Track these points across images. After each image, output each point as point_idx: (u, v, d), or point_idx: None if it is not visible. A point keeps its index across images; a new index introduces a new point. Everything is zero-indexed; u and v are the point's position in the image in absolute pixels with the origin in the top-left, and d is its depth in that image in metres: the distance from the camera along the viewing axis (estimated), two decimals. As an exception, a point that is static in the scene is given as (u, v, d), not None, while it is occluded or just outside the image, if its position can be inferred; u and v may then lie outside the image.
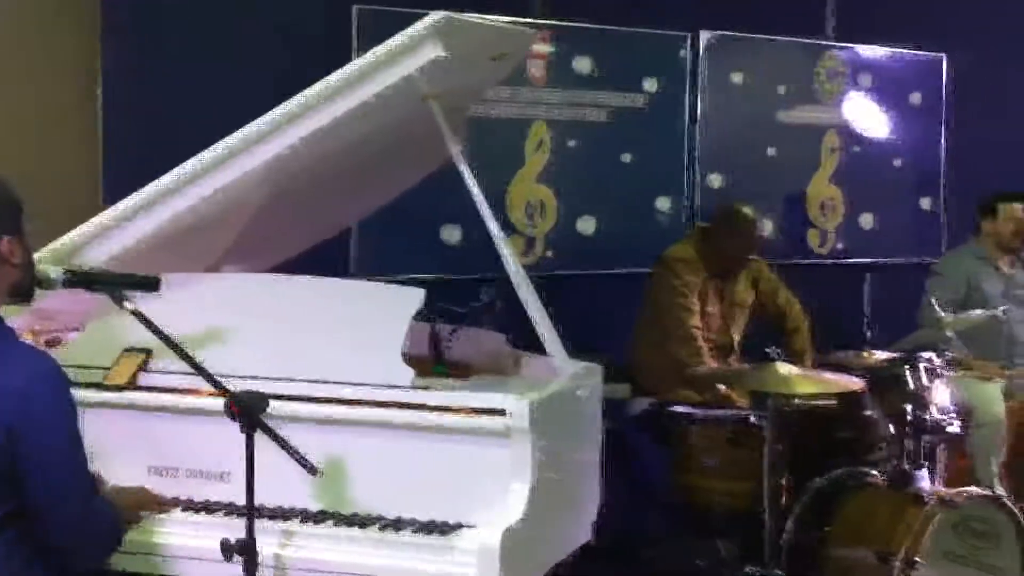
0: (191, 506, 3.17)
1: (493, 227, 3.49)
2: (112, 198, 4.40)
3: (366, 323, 3.26)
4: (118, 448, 3.20)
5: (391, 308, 3.28)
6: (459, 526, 2.98)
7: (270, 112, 3.37)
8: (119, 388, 3.28)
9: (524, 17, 5.67)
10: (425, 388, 3.17)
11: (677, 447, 4.67)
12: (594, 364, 3.62)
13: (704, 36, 6.19)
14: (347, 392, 3.14)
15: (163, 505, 3.16)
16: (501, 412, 3.01)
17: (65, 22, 4.71)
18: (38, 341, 3.74)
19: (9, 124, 4.41)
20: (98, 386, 3.26)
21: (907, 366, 4.59)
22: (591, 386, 3.52)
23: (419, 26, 3.17)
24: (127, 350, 3.36)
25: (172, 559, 3.04)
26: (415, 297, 3.29)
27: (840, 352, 5.17)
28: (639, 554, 5.26)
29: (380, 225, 5.12)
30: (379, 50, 3.23)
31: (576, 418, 3.39)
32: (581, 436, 3.42)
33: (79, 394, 3.11)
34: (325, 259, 4.50)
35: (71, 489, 2.71)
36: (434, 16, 3.15)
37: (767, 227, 6.35)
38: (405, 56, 3.21)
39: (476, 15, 3.44)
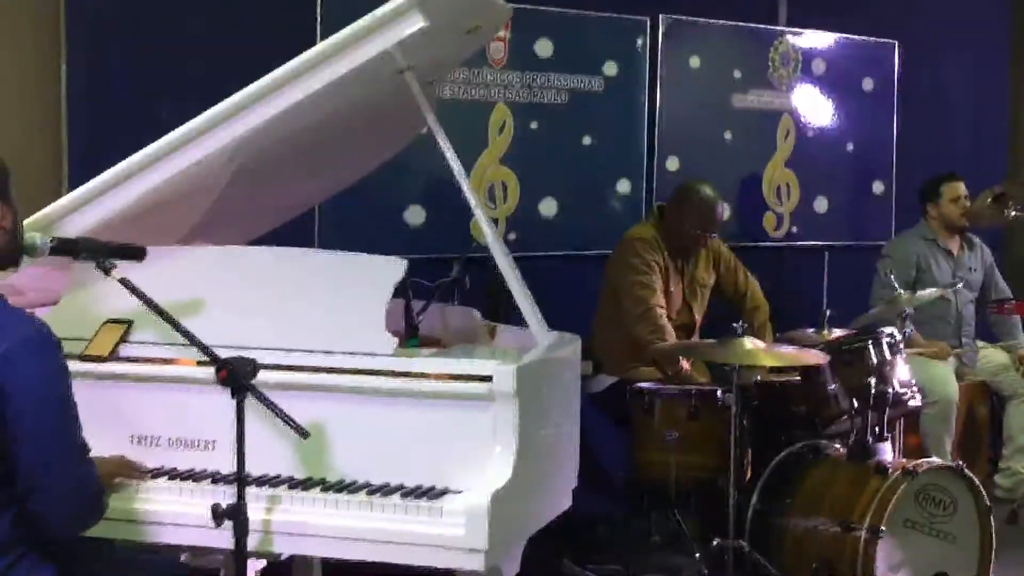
0: (176, 474, 3.19)
1: (473, 199, 3.51)
2: (74, 185, 4.44)
3: (349, 293, 3.27)
4: (100, 419, 3.13)
5: (373, 278, 3.29)
6: (446, 491, 3.02)
7: (245, 89, 3.34)
8: (101, 359, 3.29)
9: (485, -1, 5.72)
10: (411, 356, 3.22)
11: (639, 423, 4.71)
12: (572, 334, 3.66)
13: (662, 20, 6.22)
14: (331, 360, 3.17)
15: (143, 473, 3.19)
16: (487, 378, 3.05)
17: (27, 10, 4.67)
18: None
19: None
20: (79, 357, 3.25)
21: (870, 341, 4.69)
22: (570, 355, 3.55)
23: (402, -3, 3.17)
24: (107, 322, 3.38)
25: (157, 526, 3.06)
26: (397, 267, 3.32)
27: (800, 330, 5.28)
28: (596, 532, 5.35)
29: (344, 207, 5.14)
30: (362, 21, 3.22)
31: (556, 385, 3.42)
32: (561, 403, 3.45)
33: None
34: (290, 242, 4.52)
35: (60, 453, 2.71)
36: (415, -13, 3.16)
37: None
38: (390, 25, 3.20)
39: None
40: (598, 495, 5.46)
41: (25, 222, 3.26)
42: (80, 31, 4.77)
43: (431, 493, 3.02)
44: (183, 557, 3.32)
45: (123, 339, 3.34)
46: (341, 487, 3.07)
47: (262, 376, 2.95)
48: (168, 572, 3.08)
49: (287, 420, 2.86)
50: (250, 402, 2.87)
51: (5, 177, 2.83)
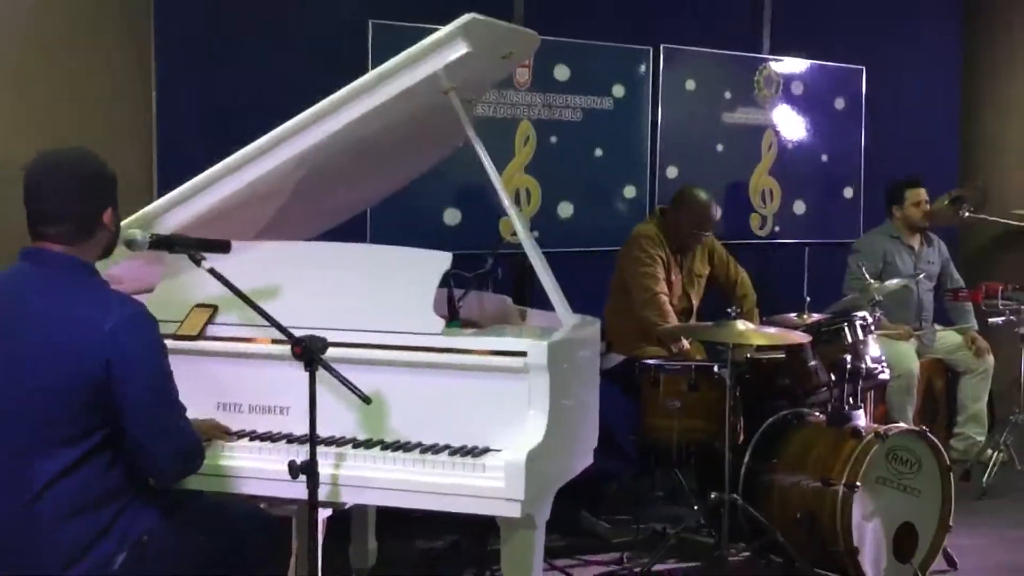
0: (256, 436, 3.21)
1: (507, 200, 3.50)
2: (162, 187, 4.45)
3: (403, 281, 3.27)
4: (191, 389, 3.13)
5: (423, 269, 3.29)
6: (487, 450, 3.03)
7: (312, 107, 3.35)
8: (191, 338, 3.30)
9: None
10: (457, 335, 3.22)
11: (646, 393, 4.70)
12: (592, 316, 3.66)
13: (663, 49, 6.21)
14: (388, 339, 3.17)
15: (229, 435, 3.21)
16: (523, 353, 3.06)
17: (121, 36, 4.67)
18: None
19: (70, 128, 4.38)
20: (173, 336, 3.26)
21: (846, 323, 4.69)
22: (591, 334, 3.55)
23: (452, 25, 3.17)
24: (196, 306, 3.39)
25: (241, 479, 3.08)
26: (444, 259, 3.31)
27: (783, 315, 5.27)
28: (608, 488, 5.35)
29: (391, 210, 5.13)
30: (415, 47, 3.23)
31: (580, 359, 3.41)
32: (584, 374, 3.45)
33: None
34: (346, 239, 4.52)
35: (160, 414, 2.74)
36: (464, 17, 3.17)
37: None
38: (438, 51, 3.21)
39: (497, 21, 3.45)
40: (610, 457, 5.45)
41: (126, 220, 3.29)
42: (167, 53, 4.80)
43: (474, 451, 3.03)
44: (261, 506, 3.32)
45: (210, 321, 3.35)
46: (397, 446, 3.08)
47: (329, 352, 2.95)
48: (249, 519, 3.06)
49: (352, 388, 2.87)
50: (319, 373, 2.88)
51: (114, 184, 2.84)
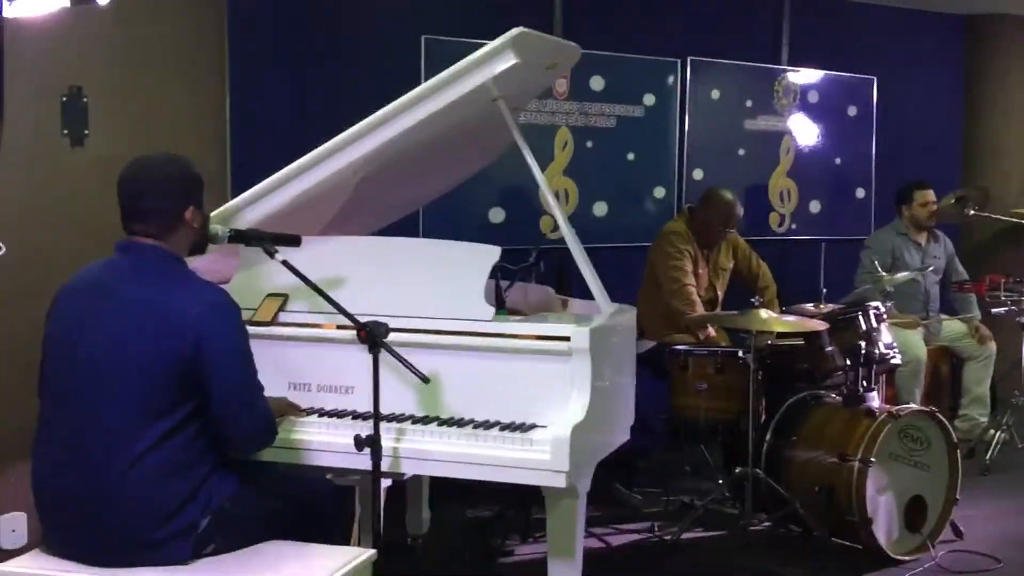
0: (324, 413, 3.23)
1: (550, 198, 3.50)
2: (236, 187, 4.49)
3: (457, 272, 3.28)
4: (265, 370, 3.15)
5: (475, 261, 3.29)
6: (534, 426, 3.04)
7: (373, 115, 3.36)
8: (265, 324, 3.33)
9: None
10: (506, 321, 3.22)
11: (676, 376, 4.70)
12: (630, 305, 3.66)
13: (690, 61, 6.19)
14: (444, 324, 3.18)
15: (301, 412, 3.24)
16: (567, 338, 3.06)
17: (199, 50, 4.70)
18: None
19: (149, 133, 4.42)
20: (248, 322, 3.22)
21: (860, 312, 4.66)
22: (627, 321, 3.55)
23: (502, 38, 3.17)
24: (269, 295, 3.42)
25: (311, 452, 3.10)
26: (493, 253, 3.31)
27: (800, 305, 5.25)
28: (639, 463, 5.34)
29: (441, 209, 5.15)
30: (467, 59, 3.23)
31: (618, 344, 3.41)
32: (621, 358, 3.45)
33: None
34: (400, 232, 4.53)
35: (239, 392, 2.77)
36: (514, 31, 3.16)
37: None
38: (489, 61, 3.21)
39: (543, 34, 3.45)
40: (641, 434, 5.45)
41: (211, 214, 3.33)
42: (240, 69, 4.82)
43: (522, 427, 3.03)
44: (329, 476, 3.35)
45: (282, 308, 3.37)
46: (452, 422, 3.09)
47: (390, 336, 2.97)
48: (317, 488, 3.09)
49: (412, 369, 2.89)
50: (381, 356, 2.90)
51: (200, 185, 2.87)
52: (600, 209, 5.97)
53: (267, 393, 3.09)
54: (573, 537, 3.14)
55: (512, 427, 3.03)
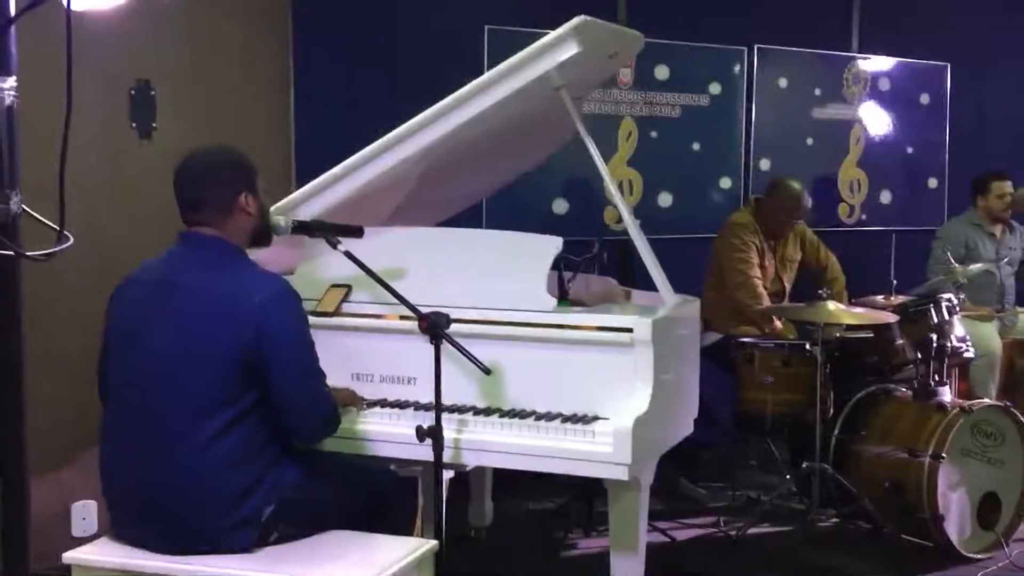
0: (387, 403, 3.24)
1: (614, 189, 3.48)
2: (300, 177, 4.53)
3: (518, 263, 3.27)
4: (328, 360, 3.17)
5: (537, 252, 3.29)
6: (596, 417, 3.02)
7: (435, 105, 3.36)
8: (328, 314, 3.35)
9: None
10: (568, 312, 3.22)
11: (742, 369, 4.67)
12: (693, 296, 3.63)
13: (757, 49, 6.13)
14: (506, 315, 3.18)
15: (364, 402, 3.26)
16: (629, 329, 3.05)
17: (263, 43, 4.76)
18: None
19: (215, 125, 4.48)
20: (312, 313, 3.28)
21: (932, 304, 4.59)
22: (691, 312, 3.53)
23: (565, 27, 3.15)
24: (333, 285, 3.45)
25: (373, 442, 3.13)
26: (556, 243, 3.30)
27: (870, 296, 5.19)
28: (705, 457, 5.31)
29: (504, 201, 5.14)
30: (530, 48, 3.22)
31: (682, 336, 3.39)
32: (685, 350, 3.43)
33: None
34: (464, 222, 4.54)
35: (301, 380, 2.79)
36: (576, 19, 3.15)
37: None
38: (552, 50, 3.19)
39: (606, 23, 3.43)
40: (707, 428, 5.41)
41: (273, 207, 3.36)
42: (304, 59, 4.86)
43: (584, 419, 3.02)
44: (393, 466, 3.37)
45: (345, 299, 3.39)
46: (514, 414, 3.10)
47: (452, 327, 2.98)
48: (380, 478, 3.11)
49: (473, 360, 2.90)
50: (443, 346, 2.91)
51: (252, 172, 2.91)
52: (665, 200, 5.93)
53: (330, 383, 3.13)
54: (636, 530, 3.14)
55: (574, 419, 3.03)
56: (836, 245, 5.97)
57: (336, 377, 3.23)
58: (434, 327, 2.88)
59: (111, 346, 2.86)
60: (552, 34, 3.18)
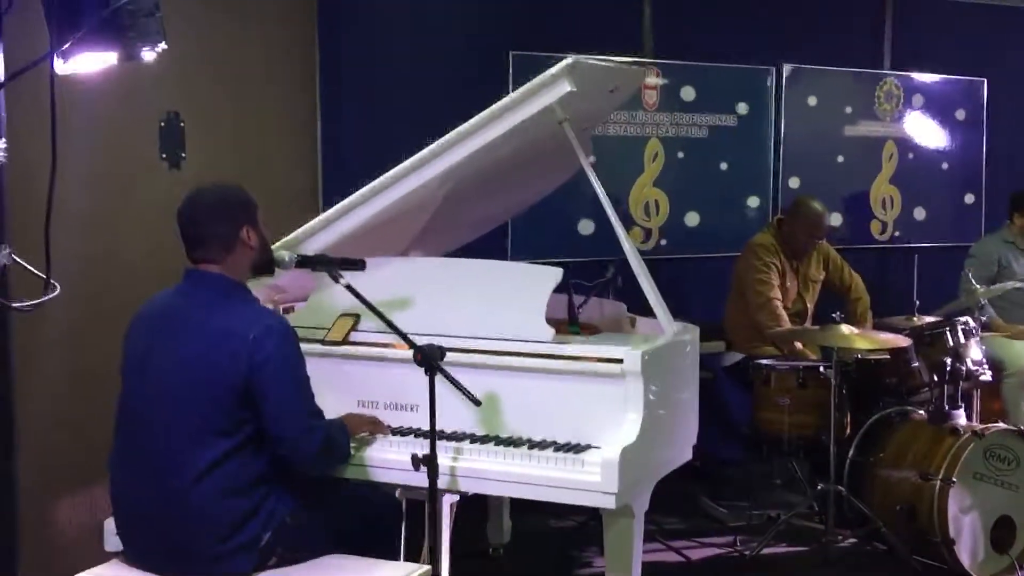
0: (390, 431, 3.30)
1: (614, 219, 3.51)
2: (329, 208, 4.64)
3: (518, 293, 3.32)
4: (336, 387, 3.36)
5: (537, 282, 3.33)
6: (588, 446, 3.07)
7: (446, 136, 3.43)
8: (337, 343, 3.43)
9: (638, 56, 5.72)
10: (562, 343, 3.27)
11: (759, 390, 4.68)
12: (692, 324, 3.66)
13: (785, 68, 6.13)
14: (504, 345, 3.24)
15: (388, 429, 3.29)
16: (619, 360, 3.10)
17: (291, 75, 4.88)
18: (277, 308, 3.97)
19: (242, 153, 4.62)
20: (321, 341, 3.42)
21: (948, 328, 4.58)
22: (690, 340, 3.54)
23: (555, 68, 3.23)
24: (342, 315, 3.53)
25: (376, 468, 3.19)
26: (555, 274, 3.34)
27: (893, 317, 5.18)
28: (727, 474, 5.33)
29: (531, 220, 5.23)
30: (526, 86, 3.30)
31: (678, 365, 3.42)
32: (682, 378, 3.45)
33: (308, 347, 3.29)
34: (488, 247, 4.58)
35: (293, 411, 2.87)
36: (567, 60, 3.22)
37: (836, 217, 6.34)
38: (545, 90, 3.27)
39: (597, 58, 3.50)
40: (731, 446, 5.45)
41: (279, 242, 3.47)
42: (330, 89, 4.99)
43: (577, 448, 3.07)
44: (397, 493, 3.44)
45: (353, 328, 3.47)
46: (509, 442, 3.15)
47: (452, 356, 3.05)
48: (376, 502, 3.19)
49: (465, 391, 2.96)
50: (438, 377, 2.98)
51: (254, 207, 3.02)
52: (692, 219, 5.97)
53: (337, 410, 3.25)
54: (630, 555, 3.19)
55: (567, 448, 3.08)
56: (867, 262, 5.98)
57: (343, 404, 3.35)
58: (428, 359, 2.95)
59: (123, 376, 2.99)
60: (545, 74, 3.25)
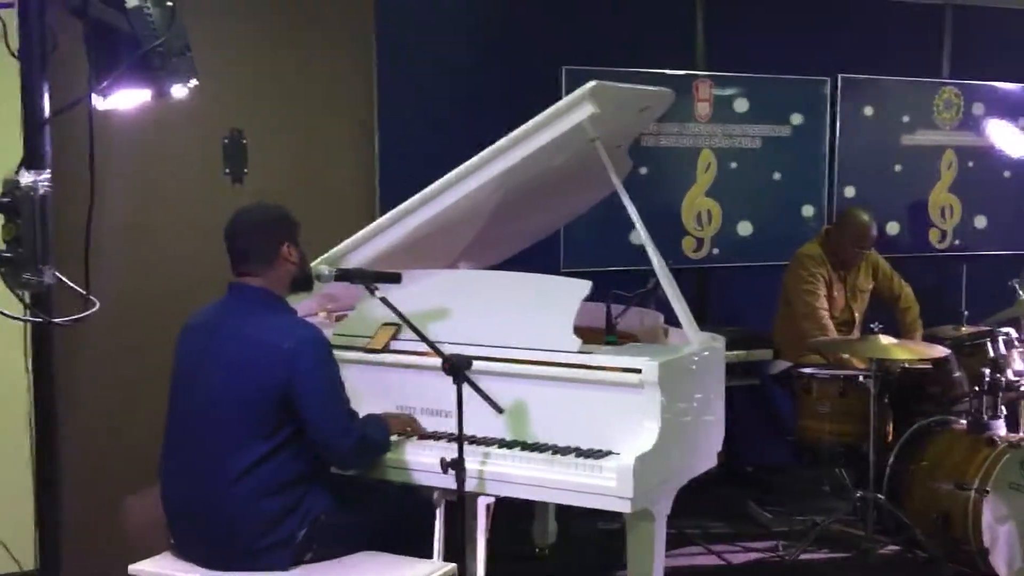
0: (424, 435, 3.45)
1: (643, 233, 3.61)
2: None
3: (548, 305, 3.42)
4: (377, 392, 3.52)
5: (566, 294, 3.44)
6: (608, 452, 3.17)
7: (485, 150, 3.58)
8: (377, 351, 3.58)
9: (691, 70, 5.82)
10: (587, 353, 3.36)
11: (801, 398, 4.75)
12: (718, 335, 3.73)
13: (840, 79, 6.15)
14: (531, 355, 3.34)
15: (422, 429, 3.45)
16: (638, 371, 3.19)
17: (349, 88, 5.05)
18: (329, 317, 4.16)
19: (302, 168, 4.82)
20: (363, 349, 3.57)
21: (989, 339, 4.58)
22: (715, 350, 3.61)
23: (578, 91, 3.35)
24: (384, 324, 3.67)
25: (410, 471, 3.32)
26: (583, 287, 3.43)
27: (941, 326, 5.20)
28: (776, 480, 5.38)
29: (582, 230, 5.34)
30: (552, 108, 3.43)
31: (700, 374, 3.49)
32: (704, 387, 3.51)
33: (351, 355, 3.51)
34: (540, 256, 4.70)
35: (328, 416, 3.05)
36: (590, 84, 3.33)
37: (894, 226, 6.33)
38: (569, 112, 3.39)
39: (623, 84, 3.60)
40: (780, 452, 5.51)
41: (321, 257, 3.65)
42: (388, 104, 5.13)
43: (598, 454, 3.17)
44: (436, 495, 3.60)
45: (394, 337, 3.60)
46: (534, 447, 3.26)
47: (482, 365, 3.21)
48: (408, 502, 3.35)
49: (487, 399, 3.10)
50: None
51: (294, 225, 3.20)
52: (744, 229, 6.01)
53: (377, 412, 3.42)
54: (651, 559, 3.29)
55: (588, 453, 3.18)
56: (926, 271, 5.98)
57: (382, 409, 3.50)
58: (455, 368, 3.10)
59: (173, 383, 3.20)
60: (568, 96, 3.38)
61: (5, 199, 2.12)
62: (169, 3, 2.27)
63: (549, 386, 3.33)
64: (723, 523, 5.08)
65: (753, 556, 4.71)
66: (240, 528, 2.99)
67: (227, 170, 4.62)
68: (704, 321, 5.49)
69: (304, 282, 3.28)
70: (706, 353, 3.54)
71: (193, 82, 2.35)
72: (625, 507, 3.07)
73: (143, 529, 3.87)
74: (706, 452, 3.56)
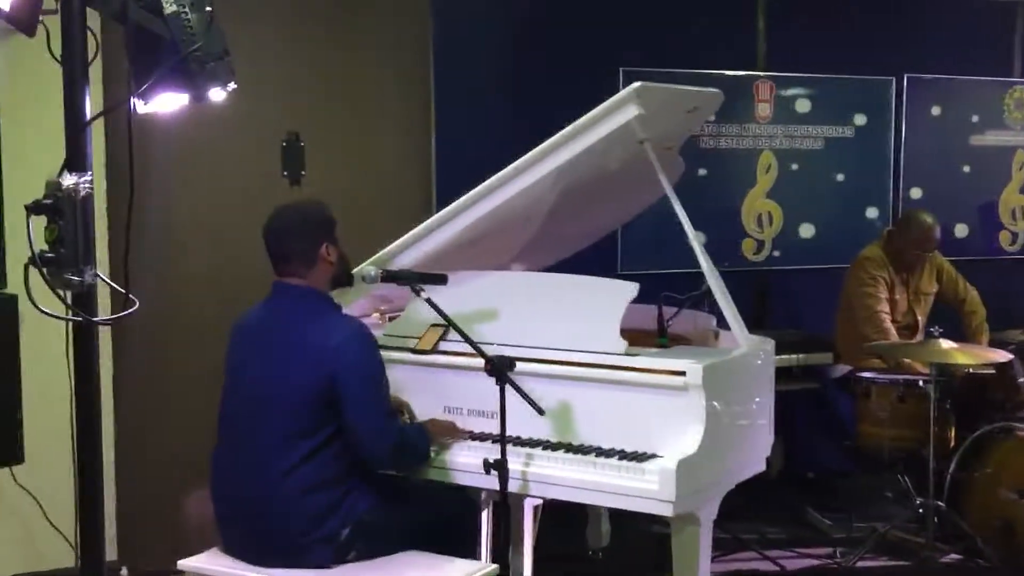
0: (472, 436, 3.45)
1: (690, 234, 3.57)
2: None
3: (594, 307, 3.40)
4: (425, 392, 3.53)
5: (613, 296, 3.41)
6: (652, 455, 3.14)
7: (531, 151, 3.57)
8: (426, 352, 3.58)
9: (751, 70, 5.75)
10: (633, 355, 3.33)
11: (860, 403, 4.68)
12: (767, 338, 3.67)
13: (906, 79, 6.03)
14: (577, 357, 3.32)
15: (466, 434, 3.44)
16: (682, 373, 3.16)
17: (405, 87, 5.08)
18: (383, 317, 4.18)
19: (359, 170, 4.85)
20: (412, 350, 3.58)
21: (1054, 344, 4.48)
22: (764, 353, 3.55)
23: (624, 92, 3.33)
24: (432, 325, 3.68)
25: (457, 471, 3.32)
26: (630, 289, 3.41)
27: (1011, 330, 5.08)
28: (837, 485, 5.29)
29: (640, 232, 5.32)
30: (599, 108, 3.40)
31: (747, 378, 3.44)
32: (751, 391, 3.46)
33: (400, 355, 3.53)
34: (597, 258, 4.68)
35: (371, 415, 3.06)
36: (634, 85, 3.31)
37: (962, 229, 6.19)
38: (616, 112, 3.37)
39: (669, 85, 3.57)
40: (841, 458, 5.42)
41: (371, 259, 3.67)
42: (444, 107, 5.16)
43: (641, 457, 3.14)
44: (482, 496, 3.60)
45: (442, 338, 3.60)
46: (578, 450, 3.24)
47: (527, 367, 3.20)
48: (451, 502, 3.36)
49: (529, 400, 3.09)
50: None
51: (332, 224, 3.23)
52: (806, 231, 5.93)
53: (424, 414, 3.45)
54: (696, 563, 3.25)
55: (632, 456, 3.15)
56: (996, 274, 5.84)
57: (430, 409, 3.52)
58: (497, 369, 3.10)
59: (225, 383, 3.25)
60: (614, 97, 3.36)
61: (48, 201, 2.17)
62: (207, 8, 2.30)
63: (594, 388, 3.31)
64: (780, 529, 5.02)
65: (808, 562, 4.63)
66: (284, 526, 3.02)
67: (285, 172, 4.67)
68: (764, 324, 5.47)
69: (344, 280, 3.31)
70: (755, 356, 3.49)
71: (232, 85, 2.38)
72: (667, 510, 3.04)
73: (193, 526, 3.95)
74: (754, 456, 3.51)
